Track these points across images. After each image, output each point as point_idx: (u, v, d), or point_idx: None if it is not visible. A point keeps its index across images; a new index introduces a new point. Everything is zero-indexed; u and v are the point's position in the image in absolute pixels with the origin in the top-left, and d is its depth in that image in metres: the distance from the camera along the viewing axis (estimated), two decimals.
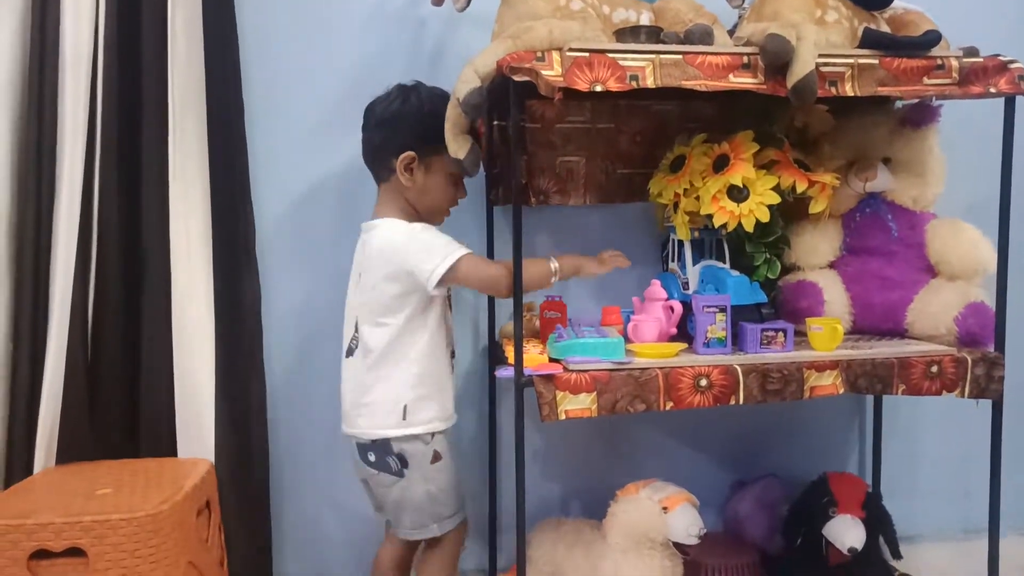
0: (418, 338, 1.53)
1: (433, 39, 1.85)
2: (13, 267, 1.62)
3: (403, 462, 1.52)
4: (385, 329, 1.52)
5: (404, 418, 1.52)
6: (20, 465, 1.61)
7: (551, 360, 1.51)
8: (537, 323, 1.72)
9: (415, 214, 1.58)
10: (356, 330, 1.57)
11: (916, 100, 1.74)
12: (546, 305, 1.69)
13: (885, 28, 1.58)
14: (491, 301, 1.88)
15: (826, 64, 1.44)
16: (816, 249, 1.77)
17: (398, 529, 1.56)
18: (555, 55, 1.36)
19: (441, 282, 1.47)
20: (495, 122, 1.78)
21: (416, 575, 1.63)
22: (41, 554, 1.34)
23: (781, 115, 1.78)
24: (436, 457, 1.54)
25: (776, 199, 1.57)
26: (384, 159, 1.56)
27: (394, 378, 1.52)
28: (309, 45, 1.82)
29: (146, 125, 1.66)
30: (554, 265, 1.54)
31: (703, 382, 1.48)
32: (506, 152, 1.74)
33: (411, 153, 1.53)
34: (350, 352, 1.58)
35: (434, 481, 1.53)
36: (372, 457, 1.54)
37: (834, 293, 1.73)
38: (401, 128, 1.53)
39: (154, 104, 1.65)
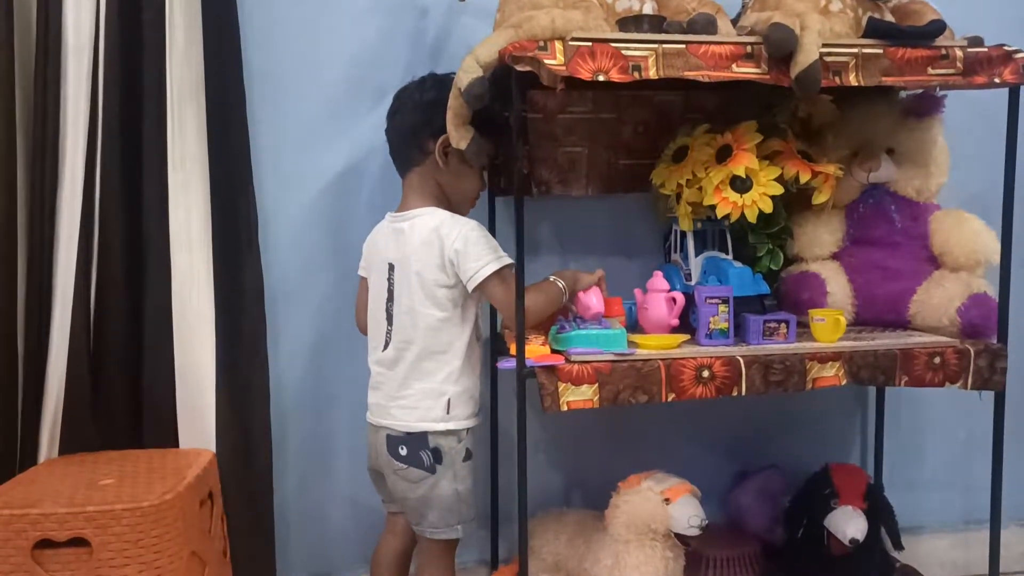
0: (463, 331, 1.53)
1: (435, 28, 1.84)
2: (16, 257, 1.62)
3: (437, 458, 1.51)
4: (430, 321, 1.51)
5: (448, 411, 1.51)
6: (24, 456, 1.62)
7: (553, 351, 1.51)
8: None
9: (447, 202, 1.58)
10: (390, 323, 1.56)
11: (920, 90, 1.73)
12: None
13: (889, 17, 1.57)
14: None
15: (830, 54, 1.43)
16: (819, 240, 1.77)
17: (420, 527, 1.55)
18: (557, 44, 1.35)
19: (481, 285, 1.48)
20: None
21: (416, 570, 1.63)
22: (45, 544, 1.35)
23: (784, 105, 1.77)
24: (468, 455, 1.54)
25: (779, 190, 1.57)
26: (420, 141, 1.56)
27: (438, 372, 1.52)
28: (310, 34, 1.81)
29: (146, 116, 1.66)
30: (560, 284, 1.54)
31: (705, 373, 1.48)
32: (508, 142, 1.73)
33: None
34: (386, 346, 1.56)
35: (462, 480, 1.53)
36: (404, 451, 1.52)
37: (837, 284, 1.72)
38: (441, 113, 1.51)
39: (154, 95, 1.65)
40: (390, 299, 1.56)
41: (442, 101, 1.51)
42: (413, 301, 1.52)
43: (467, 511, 1.55)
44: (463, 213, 1.60)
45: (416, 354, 1.52)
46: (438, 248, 1.49)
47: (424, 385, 1.52)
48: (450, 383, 1.52)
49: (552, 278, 1.55)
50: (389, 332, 1.56)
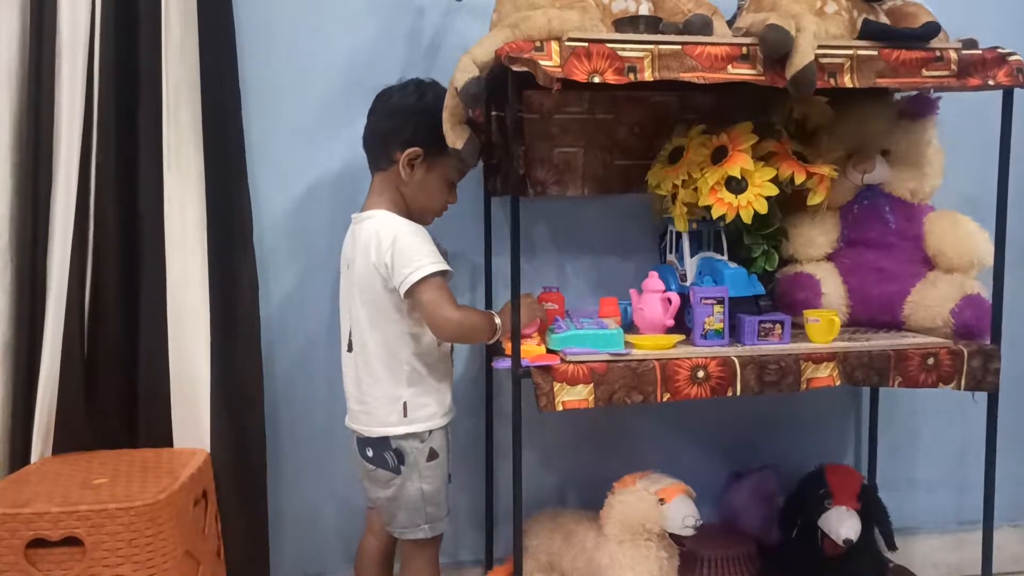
0: (410, 336, 1.51)
1: (431, 28, 1.84)
2: (10, 255, 1.61)
3: (400, 459, 1.51)
4: (376, 326, 1.51)
5: (406, 415, 1.51)
6: (17, 455, 1.61)
7: (549, 351, 1.51)
8: None
9: (406, 210, 1.56)
10: (351, 323, 1.56)
11: (915, 92, 1.74)
12: (544, 297, 1.69)
13: (884, 19, 1.58)
14: (488, 292, 1.88)
15: (825, 55, 1.43)
16: (814, 241, 1.77)
17: (391, 527, 1.56)
18: (554, 45, 1.36)
19: (409, 291, 1.45)
20: (492, 112, 1.78)
21: (400, 568, 1.63)
22: (38, 543, 1.35)
23: (780, 106, 1.78)
24: (432, 455, 1.53)
25: (774, 191, 1.57)
26: (388, 149, 1.54)
27: (390, 377, 1.51)
28: (307, 32, 1.81)
29: (142, 114, 1.65)
30: (498, 321, 1.50)
31: (700, 374, 1.48)
32: (504, 143, 1.74)
33: (417, 149, 1.51)
34: (350, 347, 1.57)
35: (428, 480, 1.53)
36: (370, 452, 1.53)
37: (831, 285, 1.73)
38: (412, 122, 1.51)
39: (150, 93, 1.64)
40: (349, 299, 1.56)
41: (419, 110, 1.51)
42: (359, 304, 1.52)
43: (434, 511, 1.54)
44: (424, 223, 1.57)
45: (367, 358, 1.52)
46: (376, 251, 1.47)
47: (379, 391, 1.52)
48: (403, 387, 1.51)
49: (495, 314, 1.51)
50: (350, 332, 1.56)
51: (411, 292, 1.45)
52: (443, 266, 1.47)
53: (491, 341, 1.53)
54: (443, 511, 1.57)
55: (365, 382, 1.53)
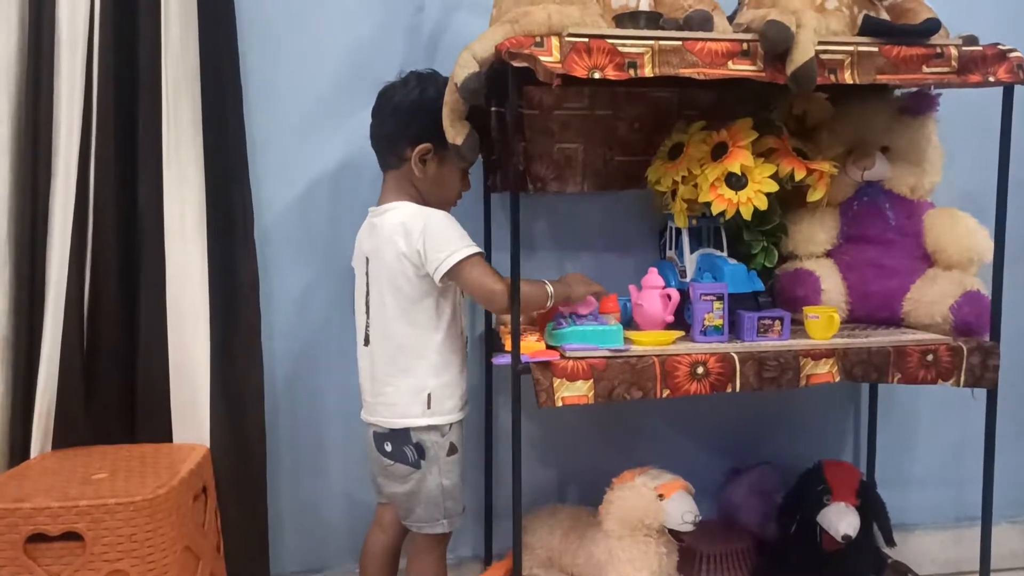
0: (438, 325, 1.52)
1: (431, 23, 1.84)
2: (9, 250, 1.61)
3: (420, 453, 1.51)
4: (404, 316, 1.50)
5: (429, 407, 1.51)
6: (17, 449, 1.61)
7: (548, 347, 1.51)
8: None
9: (423, 202, 1.56)
10: (369, 316, 1.56)
11: (915, 88, 1.74)
12: None
13: (885, 16, 1.58)
14: None
15: (826, 51, 1.43)
16: (813, 238, 1.77)
17: (407, 521, 1.56)
18: (554, 40, 1.35)
19: (447, 275, 1.46)
20: (492, 108, 1.77)
21: (407, 563, 1.63)
22: (38, 538, 1.34)
23: (780, 103, 1.78)
24: (452, 450, 1.54)
25: (774, 187, 1.57)
26: (397, 148, 1.54)
27: (416, 367, 1.51)
28: (306, 27, 1.81)
29: (141, 109, 1.65)
30: (550, 290, 1.51)
31: (700, 370, 1.48)
32: (504, 138, 1.73)
33: (428, 145, 1.51)
34: (367, 341, 1.56)
35: (448, 475, 1.53)
36: (389, 447, 1.53)
37: (831, 282, 1.73)
38: (418, 119, 1.51)
39: (149, 88, 1.64)
40: (368, 292, 1.56)
41: (423, 105, 1.50)
42: (385, 295, 1.52)
43: (453, 506, 1.55)
44: None
45: (392, 349, 1.52)
46: (405, 241, 1.48)
47: (402, 381, 1.52)
48: (430, 377, 1.51)
49: (546, 282, 1.52)
50: (368, 326, 1.56)
51: (451, 275, 1.46)
52: (477, 248, 1.48)
53: (546, 309, 1.52)
54: (460, 506, 1.57)
55: (387, 373, 1.52)
